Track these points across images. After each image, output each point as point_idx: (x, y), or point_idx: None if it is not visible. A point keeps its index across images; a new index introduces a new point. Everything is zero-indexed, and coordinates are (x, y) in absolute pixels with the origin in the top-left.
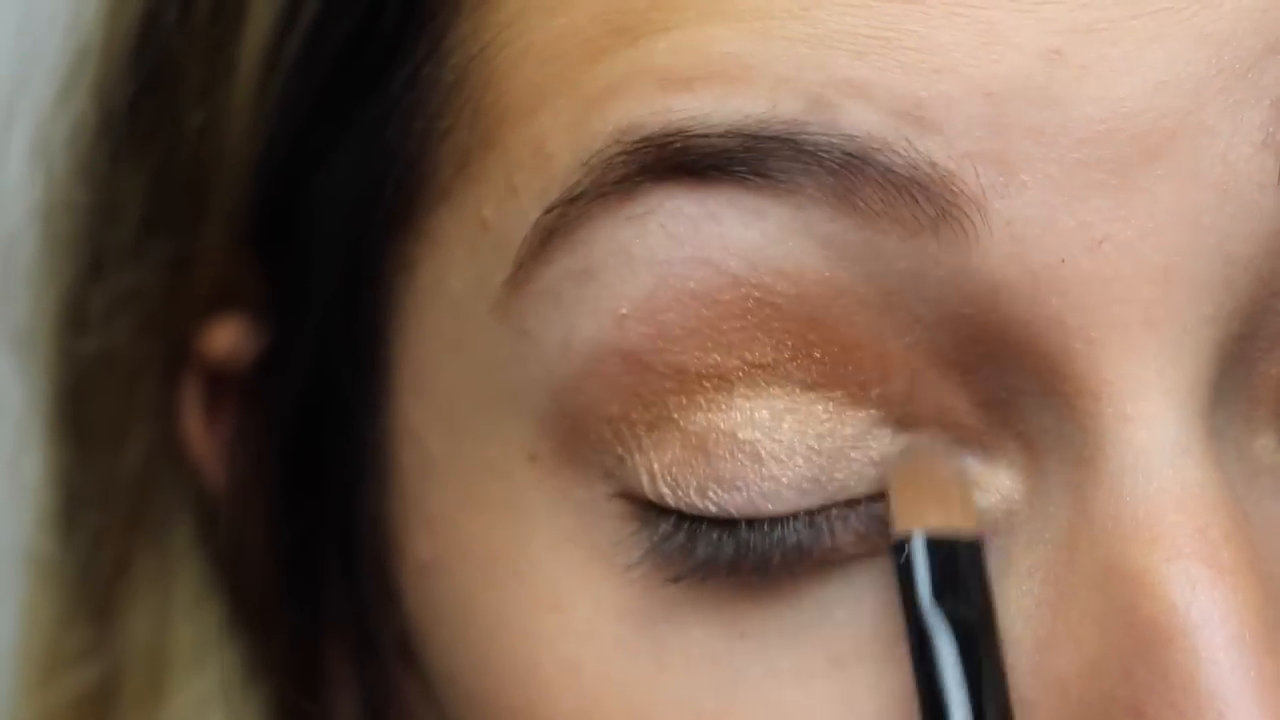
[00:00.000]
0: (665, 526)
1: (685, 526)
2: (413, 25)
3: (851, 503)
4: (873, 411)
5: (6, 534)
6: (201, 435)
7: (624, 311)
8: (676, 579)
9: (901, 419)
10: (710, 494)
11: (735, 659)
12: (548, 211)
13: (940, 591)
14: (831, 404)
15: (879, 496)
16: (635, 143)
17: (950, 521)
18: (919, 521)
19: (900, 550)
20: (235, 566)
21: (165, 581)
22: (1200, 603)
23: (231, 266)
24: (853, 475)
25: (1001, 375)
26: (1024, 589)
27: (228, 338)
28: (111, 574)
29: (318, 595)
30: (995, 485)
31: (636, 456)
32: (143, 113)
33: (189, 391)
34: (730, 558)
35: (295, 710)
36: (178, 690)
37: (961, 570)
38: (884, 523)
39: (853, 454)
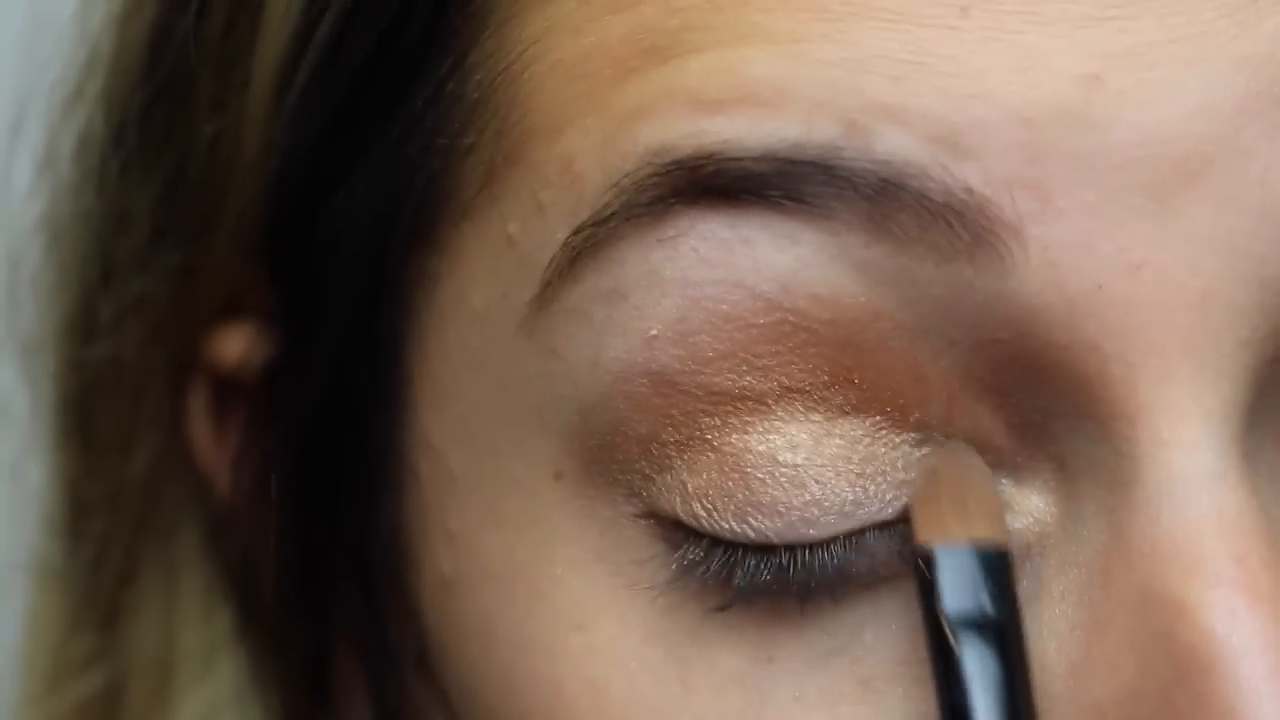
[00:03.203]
0: (696, 550)
1: (720, 553)
2: (435, 42)
3: (885, 525)
4: (912, 434)
5: (12, 541)
6: (208, 442)
7: (654, 332)
8: (720, 609)
9: (939, 441)
10: (750, 519)
11: (762, 682)
12: (576, 232)
13: (961, 603)
14: (870, 427)
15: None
16: (667, 165)
17: (972, 532)
18: (940, 533)
19: (921, 562)
20: (244, 575)
21: (171, 589)
22: (1241, 631)
23: (240, 275)
24: (890, 497)
25: (1035, 398)
26: (1057, 612)
27: (235, 345)
28: (117, 581)
29: (329, 605)
30: (1027, 507)
31: (667, 477)
32: (154, 122)
33: (195, 398)
34: (768, 584)
35: None
36: (183, 698)
37: (984, 581)
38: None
39: (891, 475)
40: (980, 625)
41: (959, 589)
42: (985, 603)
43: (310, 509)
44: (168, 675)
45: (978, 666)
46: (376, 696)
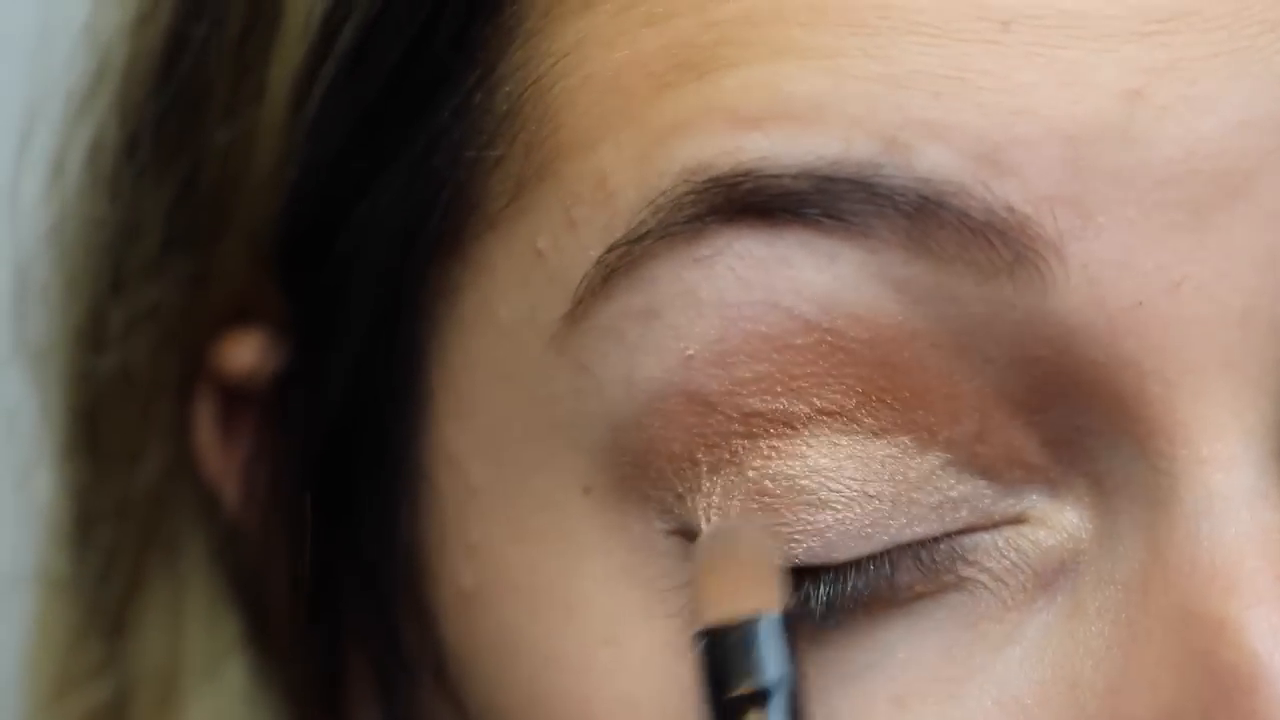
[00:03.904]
0: None
1: None
2: (463, 53)
3: (917, 544)
4: (940, 454)
5: (20, 550)
6: (216, 450)
7: (691, 352)
8: None
9: (969, 459)
10: (774, 539)
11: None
12: (610, 249)
13: (727, 682)
14: (897, 449)
15: (944, 536)
16: (704, 183)
17: (736, 605)
18: (706, 614)
19: (697, 646)
20: (251, 584)
21: (178, 597)
22: None
23: (250, 282)
24: (917, 518)
25: (1072, 415)
26: (1093, 630)
27: (245, 353)
28: (124, 590)
29: (340, 614)
30: (1062, 523)
31: (697, 497)
32: (168, 131)
33: (203, 406)
34: (798, 601)
35: None
36: (190, 707)
37: (754, 656)
38: (950, 559)
39: (917, 496)
40: (752, 699)
41: (728, 669)
42: (756, 678)
43: (323, 518)
44: (174, 684)
45: None
46: (388, 705)
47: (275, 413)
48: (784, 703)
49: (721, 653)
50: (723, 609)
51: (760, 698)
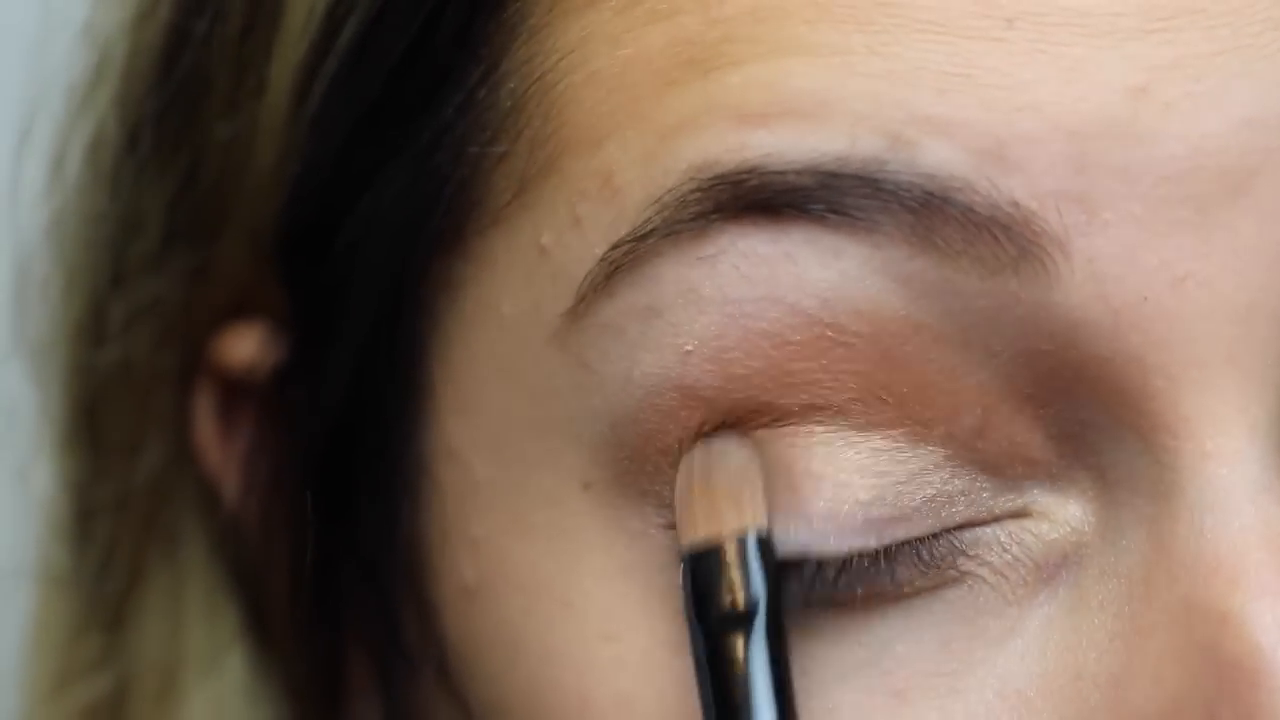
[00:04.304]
0: None
1: None
2: (466, 50)
3: (914, 540)
4: (935, 449)
5: (18, 544)
6: (216, 444)
7: (689, 349)
8: None
9: (967, 454)
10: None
11: (796, 695)
12: (615, 247)
13: (708, 603)
14: (888, 443)
15: (943, 533)
16: (710, 180)
17: (718, 526)
18: (691, 533)
19: (682, 567)
20: (253, 578)
21: (178, 590)
22: None
23: (251, 276)
24: (911, 512)
25: (1076, 409)
26: (1096, 622)
27: (245, 346)
28: (124, 584)
29: (340, 607)
30: (1065, 517)
31: None
32: (168, 126)
33: (203, 399)
34: (794, 596)
35: None
36: (190, 700)
37: (726, 576)
38: (950, 555)
39: (909, 490)
40: (732, 620)
41: (707, 590)
42: (735, 598)
43: (323, 512)
44: (174, 678)
45: (737, 663)
46: (388, 698)
47: (275, 406)
48: (764, 623)
49: (701, 575)
50: (701, 531)
51: (740, 618)
